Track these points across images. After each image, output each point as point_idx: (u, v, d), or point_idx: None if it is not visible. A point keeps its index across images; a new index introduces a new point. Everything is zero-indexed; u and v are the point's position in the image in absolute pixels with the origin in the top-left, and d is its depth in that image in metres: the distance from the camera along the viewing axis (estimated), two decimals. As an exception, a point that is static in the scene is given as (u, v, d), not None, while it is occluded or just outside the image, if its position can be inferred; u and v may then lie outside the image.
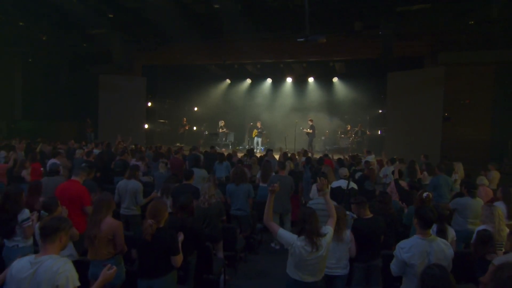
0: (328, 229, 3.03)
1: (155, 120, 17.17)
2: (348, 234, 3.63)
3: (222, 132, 16.29)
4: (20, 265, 2.20)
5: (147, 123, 15.77)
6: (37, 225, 3.44)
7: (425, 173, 7.75)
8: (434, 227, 3.69)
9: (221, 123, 16.41)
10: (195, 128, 18.41)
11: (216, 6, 10.38)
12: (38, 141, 10.78)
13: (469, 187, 4.85)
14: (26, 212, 3.78)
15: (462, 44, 11.70)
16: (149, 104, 16.31)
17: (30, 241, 3.83)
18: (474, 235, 3.50)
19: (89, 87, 15.42)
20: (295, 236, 2.95)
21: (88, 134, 14.38)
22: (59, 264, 2.17)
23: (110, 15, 11.50)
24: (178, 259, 3.01)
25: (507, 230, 3.74)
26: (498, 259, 2.89)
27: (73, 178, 4.85)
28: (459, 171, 8.41)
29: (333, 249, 3.57)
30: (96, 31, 12.91)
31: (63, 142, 11.53)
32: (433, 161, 8.90)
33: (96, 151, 9.08)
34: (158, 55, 14.97)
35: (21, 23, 11.80)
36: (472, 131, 11.85)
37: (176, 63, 15.41)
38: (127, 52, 14.05)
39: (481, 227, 3.66)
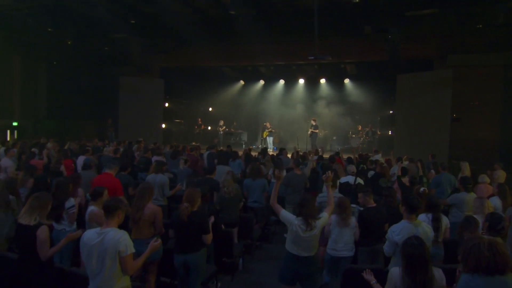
0: (324, 215, 3.54)
1: (171, 120, 17.87)
2: (354, 220, 4.15)
3: (223, 130, 16.91)
4: (90, 235, 2.82)
5: (164, 123, 16.46)
6: (89, 210, 4.05)
7: (432, 171, 8.11)
8: (430, 215, 4.18)
9: (221, 122, 17.02)
10: (209, 127, 19.05)
11: (231, 12, 10.94)
12: (66, 139, 11.56)
13: (465, 183, 5.29)
14: (71, 201, 4.40)
15: (470, 46, 11.96)
16: (166, 104, 16.99)
17: (75, 226, 4.41)
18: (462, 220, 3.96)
19: (110, 88, 16.18)
20: (294, 217, 3.48)
21: (109, 133, 15.13)
22: (120, 235, 2.79)
23: (131, 21, 12.16)
24: (209, 238, 3.61)
25: None
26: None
27: (107, 171, 5.49)
28: (465, 170, 8.77)
29: (341, 234, 4.11)
30: (117, 35, 13.67)
31: (88, 140, 12.31)
32: (441, 161, 9.25)
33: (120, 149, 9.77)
34: (175, 57, 15.58)
35: (49, 29, 12.59)
36: (481, 132, 12.07)
37: (192, 65, 16.01)
38: (146, 55, 14.73)
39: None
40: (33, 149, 9.41)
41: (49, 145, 10.02)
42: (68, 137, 12.65)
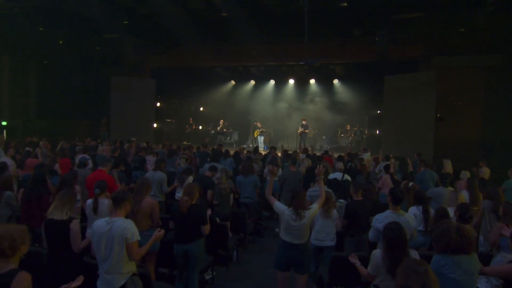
0: (314, 206, 3.81)
1: (163, 119, 17.97)
2: (335, 212, 4.47)
3: (220, 129, 17.17)
4: (100, 223, 3.05)
5: (155, 122, 16.56)
6: (106, 202, 4.21)
7: (422, 168, 8.46)
8: (420, 207, 4.50)
9: (221, 122, 17.34)
10: (201, 127, 19.22)
11: (224, 14, 11.16)
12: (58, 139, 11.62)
13: (443, 179, 5.65)
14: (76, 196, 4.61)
15: (454, 49, 12.46)
16: (158, 104, 17.10)
17: (78, 219, 4.63)
18: (434, 212, 4.29)
19: (101, 88, 16.21)
20: (285, 207, 3.76)
21: (102, 133, 15.18)
22: (126, 223, 3.03)
23: (124, 22, 12.24)
24: (207, 228, 3.85)
25: None
26: None
27: (100, 168, 5.69)
28: (448, 167, 9.20)
29: (323, 225, 4.43)
30: (109, 36, 13.74)
31: (81, 140, 12.37)
32: (426, 159, 9.65)
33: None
34: (168, 57, 15.71)
35: (41, 28, 12.59)
36: (464, 131, 12.56)
37: (184, 65, 16.17)
38: (138, 55, 14.81)
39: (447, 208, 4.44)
40: (27, 148, 9.49)
41: (41, 143, 10.10)
42: (61, 136, 12.67)
